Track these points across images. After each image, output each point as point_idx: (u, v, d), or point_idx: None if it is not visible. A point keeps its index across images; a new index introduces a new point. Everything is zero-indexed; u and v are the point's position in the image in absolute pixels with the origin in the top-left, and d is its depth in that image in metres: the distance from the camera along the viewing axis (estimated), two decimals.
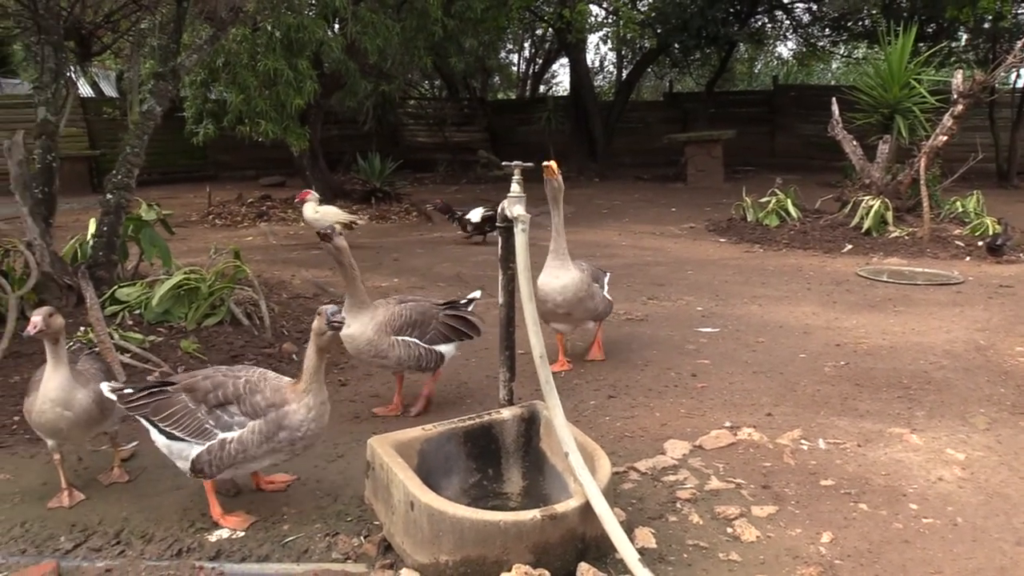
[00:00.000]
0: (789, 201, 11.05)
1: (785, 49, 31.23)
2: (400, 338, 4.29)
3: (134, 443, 4.15)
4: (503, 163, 3.41)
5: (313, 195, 10.37)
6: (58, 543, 3.20)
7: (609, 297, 5.36)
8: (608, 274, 5.64)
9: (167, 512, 3.41)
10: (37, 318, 3.28)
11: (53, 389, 3.35)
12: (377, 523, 3.18)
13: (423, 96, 23.78)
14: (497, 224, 3.38)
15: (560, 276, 4.73)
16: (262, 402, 3.16)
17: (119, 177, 6.67)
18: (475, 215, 10.48)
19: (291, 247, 10.32)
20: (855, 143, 10.96)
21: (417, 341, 4.35)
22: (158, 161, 17.14)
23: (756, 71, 32.21)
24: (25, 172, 6.09)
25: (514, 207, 3.16)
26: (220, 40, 8.86)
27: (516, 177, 3.24)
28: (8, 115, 16.32)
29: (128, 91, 14.18)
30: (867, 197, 10.30)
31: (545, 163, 4.26)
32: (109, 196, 6.57)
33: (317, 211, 10.17)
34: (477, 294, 4.84)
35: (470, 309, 4.69)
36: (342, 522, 3.30)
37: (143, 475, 3.81)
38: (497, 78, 27.27)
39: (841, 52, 25.05)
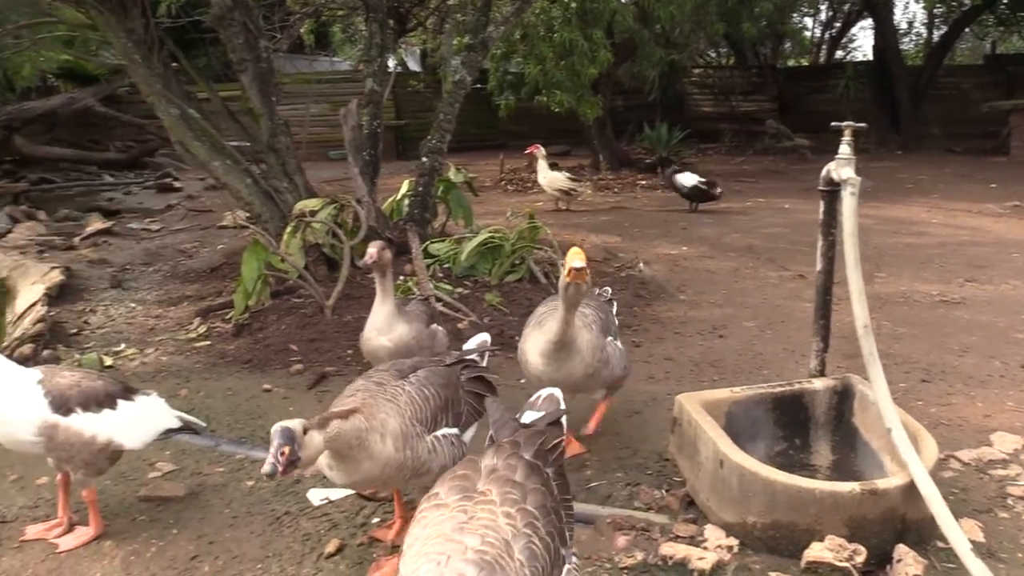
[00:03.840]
0: None
1: None
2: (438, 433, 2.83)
3: None
4: (832, 123, 3.23)
5: (540, 150, 10.55)
6: None
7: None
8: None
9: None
10: (372, 249, 3.66)
11: (378, 318, 3.73)
12: (679, 479, 3.23)
13: (708, 64, 23.18)
14: (819, 188, 3.24)
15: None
16: None
17: (433, 142, 7.27)
18: (688, 179, 10.33)
19: (580, 212, 10.62)
20: None
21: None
22: (453, 130, 18.31)
23: None
24: (358, 136, 6.85)
25: (842, 169, 3.01)
26: (524, 12, 9.27)
27: (846, 139, 3.07)
28: (333, 89, 18.22)
29: (439, 65, 15.33)
30: None
31: (578, 265, 2.93)
32: (424, 159, 7.19)
33: (545, 176, 10.38)
34: (486, 337, 3.51)
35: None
36: (642, 474, 3.39)
37: None
38: (788, 44, 25.89)
39: None
